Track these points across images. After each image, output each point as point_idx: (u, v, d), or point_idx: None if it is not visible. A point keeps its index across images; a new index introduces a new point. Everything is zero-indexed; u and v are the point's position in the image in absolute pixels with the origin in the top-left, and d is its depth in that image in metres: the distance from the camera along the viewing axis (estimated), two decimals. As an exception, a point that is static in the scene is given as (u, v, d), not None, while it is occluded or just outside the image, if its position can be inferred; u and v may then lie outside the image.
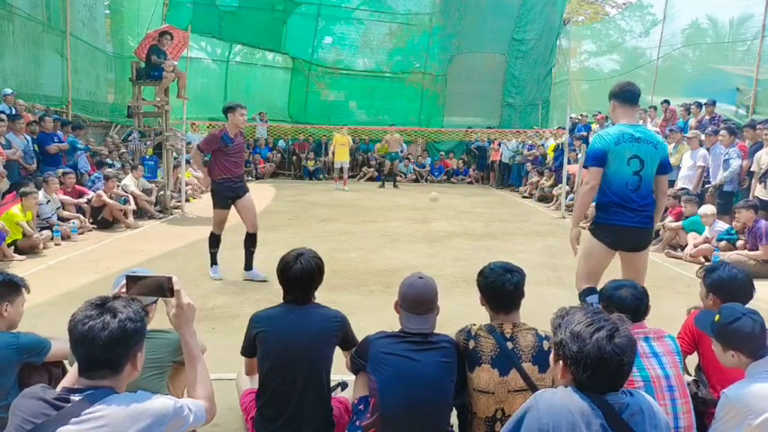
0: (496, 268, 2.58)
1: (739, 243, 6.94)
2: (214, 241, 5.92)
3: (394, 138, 16.14)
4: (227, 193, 5.74)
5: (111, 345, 1.64)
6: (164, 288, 1.95)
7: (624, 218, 3.67)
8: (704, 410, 2.56)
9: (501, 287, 2.51)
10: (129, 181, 9.67)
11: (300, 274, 2.58)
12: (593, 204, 3.89)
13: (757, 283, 2.94)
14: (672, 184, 9.37)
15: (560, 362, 1.72)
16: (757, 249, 6.58)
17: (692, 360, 2.92)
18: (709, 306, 2.85)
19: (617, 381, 1.68)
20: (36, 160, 9.20)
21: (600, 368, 1.63)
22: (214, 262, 5.98)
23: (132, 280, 1.96)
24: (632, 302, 2.50)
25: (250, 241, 5.88)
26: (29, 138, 9.04)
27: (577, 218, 4.00)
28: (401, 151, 16.78)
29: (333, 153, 15.57)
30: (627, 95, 3.74)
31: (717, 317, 2.30)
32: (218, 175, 5.72)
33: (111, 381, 1.67)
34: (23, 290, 2.73)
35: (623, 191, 3.65)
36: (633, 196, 3.65)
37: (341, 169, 15.27)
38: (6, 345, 2.54)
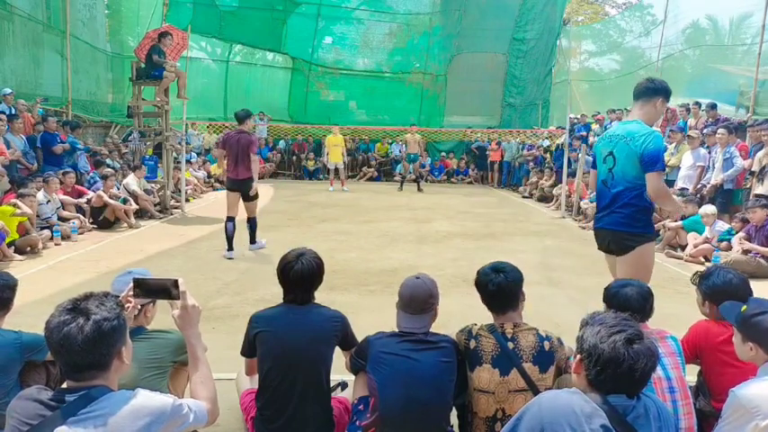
0: (486, 268, 2.58)
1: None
2: None
3: (414, 138, 15.40)
4: None
5: (91, 348, 1.58)
6: (170, 290, 1.96)
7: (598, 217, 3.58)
8: (702, 420, 2.53)
9: (484, 287, 2.52)
10: (132, 180, 9.66)
11: (301, 275, 2.58)
12: (593, 204, 3.84)
13: (758, 284, 2.92)
14: (672, 183, 9.35)
15: (578, 355, 1.75)
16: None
17: (693, 366, 2.80)
18: (706, 315, 2.77)
19: (626, 385, 1.67)
20: (35, 160, 9.20)
21: (610, 367, 1.65)
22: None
23: (139, 283, 1.97)
24: (638, 301, 2.45)
25: None
26: (24, 138, 9.03)
27: None
28: (420, 153, 15.97)
29: (327, 155, 15.25)
30: (634, 92, 3.50)
31: (744, 307, 2.26)
32: None
33: (102, 379, 1.64)
34: None
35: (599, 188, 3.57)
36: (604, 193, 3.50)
37: (335, 170, 15.14)
38: (10, 343, 2.56)
